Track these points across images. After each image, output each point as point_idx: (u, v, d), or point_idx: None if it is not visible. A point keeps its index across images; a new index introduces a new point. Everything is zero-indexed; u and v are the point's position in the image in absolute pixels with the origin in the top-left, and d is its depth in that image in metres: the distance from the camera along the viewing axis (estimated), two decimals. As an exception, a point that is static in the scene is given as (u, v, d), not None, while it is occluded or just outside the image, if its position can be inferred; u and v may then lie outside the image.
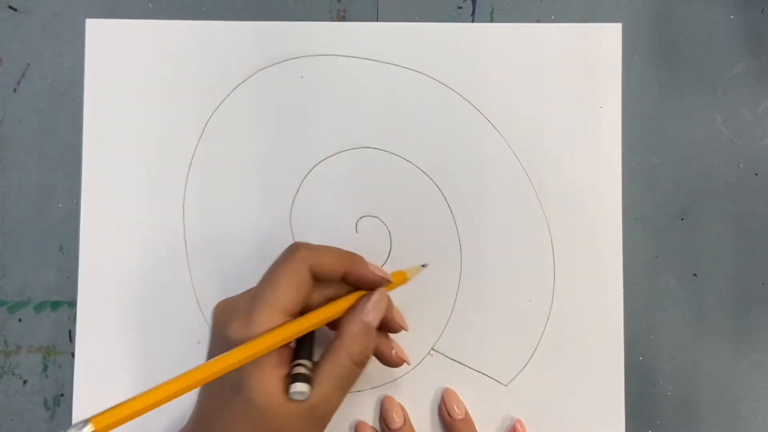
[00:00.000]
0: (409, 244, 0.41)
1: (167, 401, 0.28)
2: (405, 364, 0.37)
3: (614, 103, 0.42)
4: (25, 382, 0.42)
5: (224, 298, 0.35)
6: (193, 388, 0.29)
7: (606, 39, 0.42)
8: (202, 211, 0.42)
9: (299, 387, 0.31)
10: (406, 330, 0.37)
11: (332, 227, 0.42)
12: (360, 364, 0.33)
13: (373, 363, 0.41)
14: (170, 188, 0.42)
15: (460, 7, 0.43)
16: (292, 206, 0.42)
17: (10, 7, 0.43)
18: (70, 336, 0.42)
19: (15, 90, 0.43)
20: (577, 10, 0.43)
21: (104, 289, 0.41)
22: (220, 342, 0.32)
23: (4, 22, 0.43)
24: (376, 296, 0.34)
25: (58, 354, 0.42)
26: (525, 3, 0.43)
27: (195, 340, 0.41)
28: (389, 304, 0.35)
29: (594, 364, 0.41)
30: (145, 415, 0.28)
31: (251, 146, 0.42)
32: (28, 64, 0.43)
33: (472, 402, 0.41)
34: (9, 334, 0.42)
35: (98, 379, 0.41)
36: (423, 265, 0.39)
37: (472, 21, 0.43)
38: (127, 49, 0.42)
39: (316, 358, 0.34)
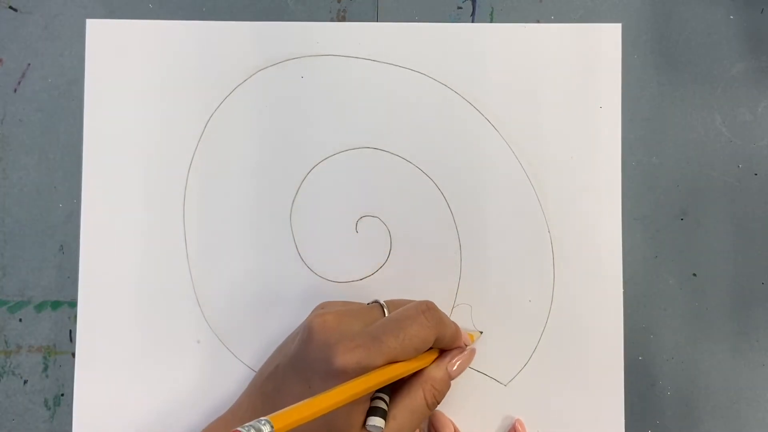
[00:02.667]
0: (409, 244, 0.41)
1: (343, 403, 0.30)
2: None
3: (614, 103, 0.42)
4: (25, 382, 0.42)
5: (328, 301, 0.38)
6: (356, 397, 0.30)
7: (606, 39, 0.42)
8: (202, 211, 0.42)
9: (376, 421, 0.33)
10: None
11: (332, 227, 0.42)
12: (432, 407, 0.35)
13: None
14: (170, 188, 0.42)
15: (460, 7, 0.43)
16: (292, 206, 0.42)
17: (10, 7, 0.43)
18: (71, 336, 0.42)
19: (15, 90, 0.43)
20: (577, 10, 0.43)
21: (104, 289, 0.41)
22: (316, 354, 0.33)
23: (5, 22, 0.43)
24: (467, 355, 0.37)
25: (59, 354, 0.42)
26: (525, 3, 0.43)
27: (195, 339, 0.41)
28: (471, 359, 0.38)
29: (593, 363, 0.41)
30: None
31: (251, 146, 0.42)
32: (29, 65, 0.43)
33: (472, 402, 0.41)
34: (9, 334, 0.42)
35: (98, 379, 0.41)
36: (480, 332, 0.41)
37: (472, 21, 0.43)
38: (127, 49, 0.42)
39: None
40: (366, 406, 0.33)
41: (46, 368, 0.42)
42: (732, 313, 0.41)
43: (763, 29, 0.42)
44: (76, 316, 0.41)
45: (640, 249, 0.42)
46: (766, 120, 0.42)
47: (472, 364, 0.41)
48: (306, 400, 0.28)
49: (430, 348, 0.36)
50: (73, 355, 0.41)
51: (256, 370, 0.41)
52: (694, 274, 0.42)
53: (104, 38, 0.42)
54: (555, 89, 0.42)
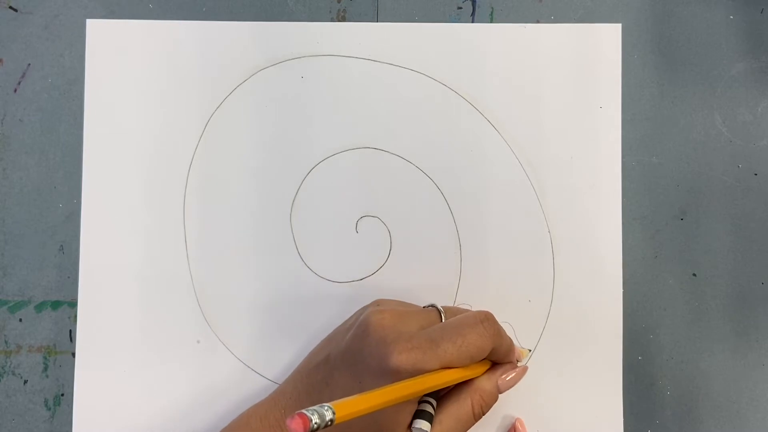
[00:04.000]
0: (409, 244, 0.41)
1: (396, 402, 0.29)
2: None
3: (614, 103, 0.42)
4: (25, 381, 0.42)
5: (384, 298, 0.38)
6: (413, 396, 0.31)
7: (606, 39, 0.42)
8: (202, 211, 0.42)
9: (422, 424, 0.33)
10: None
11: (332, 227, 0.42)
12: (477, 417, 0.35)
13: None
14: (170, 188, 0.42)
15: (460, 8, 0.43)
16: (292, 206, 0.42)
17: (10, 7, 0.43)
18: (71, 336, 0.42)
19: (15, 90, 0.43)
20: (577, 11, 0.43)
21: (104, 289, 0.41)
22: (371, 350, 0.33)
23: (5, 22, 0.43)
24: (518, 373, 0.37)
25: (59, 354, 0.42)
26: (525, 3, 0.43)
27: (195, 340, 0.41)
28: (521, 376, 0.38)
29: (593, 363, 0.41)
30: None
31: (251, 146, 0.42)
32: (29, 65, 0.43)
33: (471, 402, 0.41)
34: (9, 333, 0.42)
35: (98, 379, 0.41)
36: (530, 350, 0.41)
37: (472, 21, 0.43)
38: (127, 49, 0.42)
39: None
40: (413, 408, 0.33)
41: (46, 368, 0.42)
42: (732, 313, 0.41)
43: (763, 29, 0.43)
44: (76, 316, 0.41)
45: (640, 249, 0.42)
46: (766, 120, 0.42)
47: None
48: (364, 393, 0.28)
49: (483, 359, 0.36)
50: (73, 355, 0.41)
51: (257, 370, 0.41)
52: (694, 274, 0.42)
53: (104, 38, 0.42)
54: (555, 89, 0.42)
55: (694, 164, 0.42)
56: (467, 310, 0.36)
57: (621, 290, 0.41)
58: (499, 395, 0.36)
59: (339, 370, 0.35)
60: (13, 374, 0.42)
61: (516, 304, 0.41)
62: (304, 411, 0.24)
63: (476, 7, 0.43)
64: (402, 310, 0.35)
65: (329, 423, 0.25)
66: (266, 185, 0.42)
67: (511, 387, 0.37)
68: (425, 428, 0.33)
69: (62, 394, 0.41)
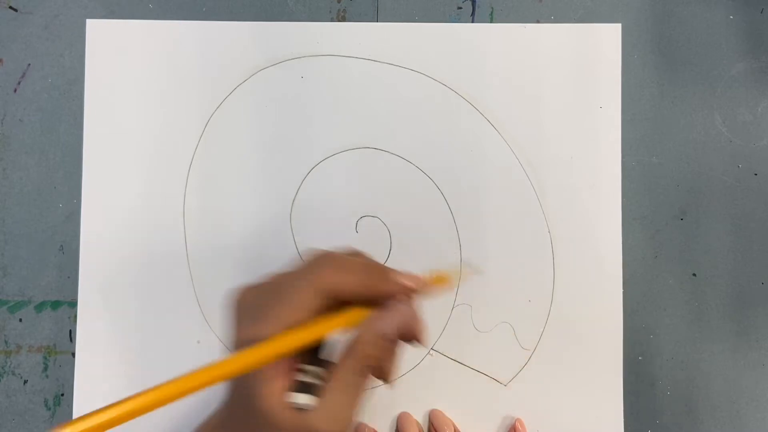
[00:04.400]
0: (409, 244, 0.41)
1: (163, 405, 0.27)
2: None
3: (614, 103, 0.42)
4: (25, 381, 0.42)
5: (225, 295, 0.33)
6: (199, 389, 0.27)
7: (606, 39, 0.42)
8: (202, 211, 0.42)
9: (298, 398, 0.29)
10: (423, 346, 0.34)
11: (332, 227, 0.42)
12: (362, 374, 0.30)
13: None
14: (170, 188, 0.42)
15: (460, 8, 0.43)
16: (292, 206, 0.42)
17: (10, 7, 0.43)
18: (71, 336, 0.42)
19: (15, 90, 0.43)
20: (577, 11, 0.43)
21: (104, 289, 0.41)
22: (232, 334, 0.30)
23: (5, 22, 0.43)
24: (395, 305, 0.30)
25: (59, 354, 0.42)
26: (525, 3, 0.43)
27: (195, 340, 0.41)
28: (412, 314, 0.31)
29: (593, 363, 0.41)
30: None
31: (251, 146, 0.42)
32: (29, 65, 0.43)
33: (472, 402, 0.41)
34: (9, 334, 0.42)
35: (98, 379, 0.41)
36: (471, 269, 0.37)
37: (472, 21, 0.43)
38: (127, 49, 0.42)
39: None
40: (283, 384, 0.29)
41: (46, 368, 0.42)
42: (732, 313, 0.41)
43: (763, 29, 0.43)
44: (76, 316, 0.41)
45: (640, 249, 0.42)
46: (766, 120, 0.42)
47: (473, 365, 0.41)
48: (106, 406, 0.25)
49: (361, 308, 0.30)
50: (73, 355, 0.41)
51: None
52: (694, 274, 0.42)
53: (104, 38, 0.42)
54: (555, 89, 0.42)
55: (694, 164, 0.42)
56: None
57: (621, 290, 0.41)
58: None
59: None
60: (13, 374, 0.42)
61: (516, 304, 0.41)
62: None
63: (476, 7, 0.43)
64: (259, 280, 0.31)
65: None
66: (266, 185, 0.42)
67: (394, 328, 0.30)
68: (303, 401, 0.28)
69: (62, 394, 0.41)
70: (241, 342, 0.29)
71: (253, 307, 0.30)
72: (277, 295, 0.29)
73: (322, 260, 0.30)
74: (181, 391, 0.27)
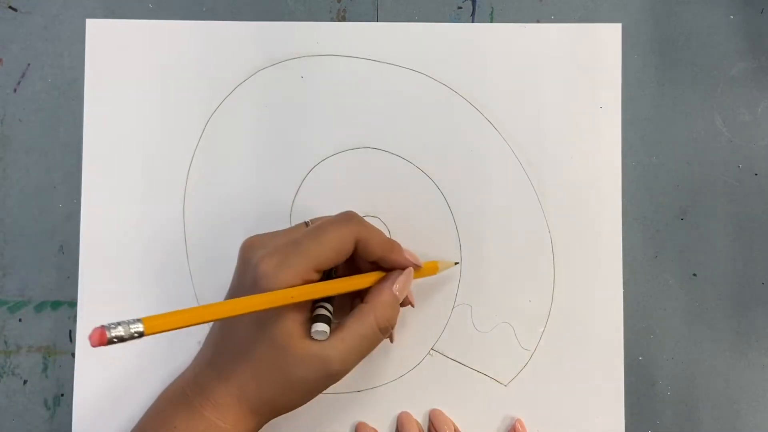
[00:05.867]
0: (409, 244, 0.41)
1: (210, 320, 0.30)
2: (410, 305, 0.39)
3: (614, 103, 0.42)
4: (25, 382, 0.42)
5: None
6: (236, 314, 0.30)
7: (606, 39, 0.42)
8: (202, 211, 0.42)
9: (319, 326, 0.33)
10: (413, 306, 0.39)
11: (332, 227, 0.42)
12: (384, 331, 0.35)
13: (374, 362, 0.41)
14: (170, 188, 0.42)
15: (460, 7, 0.43)
16: (292, 206, 0.42)
17: (10, 7, 0.43)
18: (70, 336, 0.42)
19: (15, 90, 0.43)
20: (577, 10, 0.43)
21: (104, 289, 0.41)
22: (246, 273, 0.34)
23: (5, 22, 0.43)
24: (406, 274, 0.36)
25: (58, 354, 0.42)
26: (525, 3, 0.43)
27: (195, 340, 0.41)
28: (410, 281, 0.37)
29: (594, 363, 0.41)
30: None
31: (251, 146, 0.42)
32: (29, 65, 0.43)
33: (472, 402, 0.41)
34: (9, 334, 0.42)
35: (98, 379, 0.41)
36: (456, 263, 0.41)
37: (472, 21, 0.43)
38: (127, 49, 0.42)
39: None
40: (301, 317, 0.33)
41: (45, 368, 0.42)
42: (732, 313, 0.41)
43: (763, 29, 0.43)
44: (76, 316, 0.41)
45: (640, 249, 0.42)
46: (766, 120, 0.42)
47: (472, 364, 0.41)
48: (187, 309, 0.29)
49: (374, 272, 0.36)
50: (73, 355, 0.41)
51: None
52: (694, 274, 0.42)
53: (104, 38, 0.42)
54: (555, 89, 0.42)
55: (694, 164, 0.42)
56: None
57: (621, 290, 0.41)
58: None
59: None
60: (13, 374, 0.42)
61: (516, 304, 0.41)
62: (104, 324, 0.25)
63: (476, 7, 0.43)
64: (270, 232, 0.36)
65: (136, 335, 0.26)
66: (266, 185, 0.42)
67: (405, 291, 0.36)
68: (322, 329, 0.33)
69: (62, 394, 0.41)
70: (266, 273, 0.32)
71: (277, 247, 0.33)
72: (317, 236, 0.33)
73: (358, 217, 0.35)
74: (233, 309, 0.30)
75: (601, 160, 0.42)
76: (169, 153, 0.42)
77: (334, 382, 0.34)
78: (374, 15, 0.43)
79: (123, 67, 0.42)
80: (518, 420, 0.41)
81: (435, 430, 0.40)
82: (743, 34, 0.42)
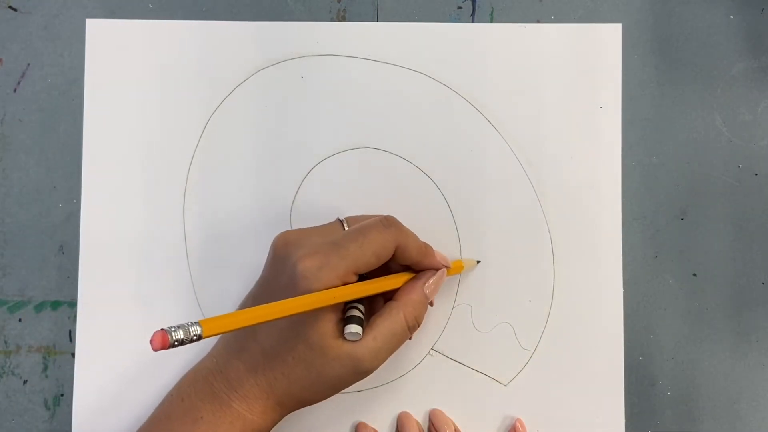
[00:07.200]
0: (409, 244, 0.41)
1: (265, 321, 0.30)
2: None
3: (614, 103, 0.42)
4: (25, 382, 0.42)
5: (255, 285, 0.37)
6: (287, 314, 0.31)
7: (606, 39, 0.42)
8: (202, 211, 0.42)
9: (352, 328, 0.34)
10: (431, 305, 0.39)
11: (332, 227, 0.42)
12: (412, 329, 0.36)
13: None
14: (170, 188, 0.42)
15: (460, 7, 0.43)
16: (292, 206, 0.42)
17: (10, 7, 0.43)
18: (70, 336, 0.42)
19: (15, 90, 0.43)
20: (577, 10, 0.43)
21: (104, 289, 0.41)
22: (281, 270, 0.34)
23: (5, 22, 0.43)
24: (439, 275, 0.37)
25: (58, 354, 0.42)
26: (525, 3, 0.43)
27: (195, 340, 0.41)
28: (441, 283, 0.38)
29: (594, 363, 0.41)
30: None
31: (251, 146, 0.42)
32: (29, 64, 0.43)
33: (472, 402, 0.41)
34: (9, 334, 0.42)
35: (98, 379, 0.41)
36: (478, 261, 0.41)
37: (472, 21, 0.43)
38: (127, 49, 0.42)
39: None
40: (335, 317, 0.34)
41: (45, 368, 0.42)
42: (732, 313, 0.41)
43: (763, 29, 0.43)
44: (75, 316, 0.41)
45: (640, 249, 0.42)
46: (766, 120, 0.42)
47: (472, 364, 0.41)
48: (242, 310, 0.29)
49: (404, 273, 0.37)
50: (73, 355, 0.41)
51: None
52: (694, 274, 0.42)
53: (104, 38, 0.42)
54: (555, 89, 0.42)
55: (694, 164, 0.42)
56: (373, 216, 0.37)
57: (621, 290, 0.41)
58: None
59: (259, 303, 0.34)
60: (13, 374, 0.42)
61: (516, 304, 0.41)
62: (165, 327, 0.26)
63: (476, 7, 0.43)
64: (306, 228, 0.37)
65: (195, 338, 0.26)
66: (266, 185, 0.42)
67: (435, 291, 0.37)
68: (355, 331, 0.33)
69: (62, 394, 0.41)
70: (307, 271, 0.33)
71: (315, 248, 0.34)
72: (358, 240, 0.34)
73: (398, 223, 0.36)
74: (283, 309, 0.31)
75: (601, 160, 0.42)
76: (169, 153, 0.42)
77: (362, 379, 0.35)
78: (374, 15, 0.43)
79: (123, 67, 0.42)
80: (518, 420, 0.41)
81: (435, 430, 0.40)
82: (743, 34, 0.42)
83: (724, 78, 0.42)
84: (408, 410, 0.41)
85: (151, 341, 0.25)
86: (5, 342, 0.42)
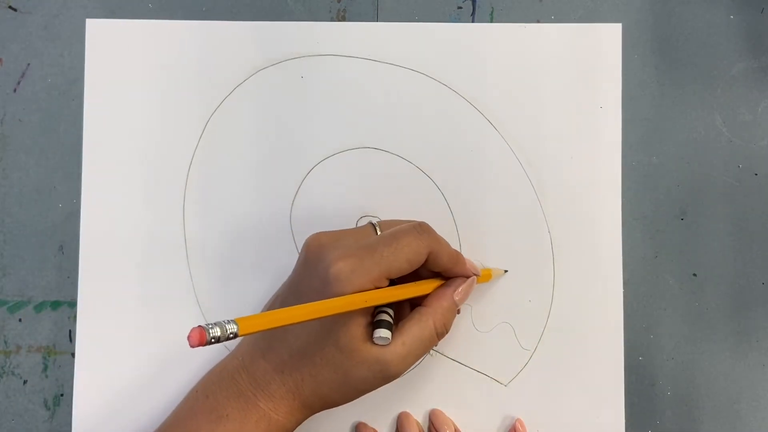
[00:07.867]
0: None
1: (299, 321, 0.30)
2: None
3: (614, 103, 0.42)
4: (25, 382, 0.42)
5: (284, 283, 0.38)
6: (322, 315, 0.31)
7: (606, 39, 0.42)
8: (202, 211, 0.42)
9: (382, 332, 0.34)
10: (458, 313, 0.39)
11: (332, 227, 0.41)
12: (440, 336, 0.36)
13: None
14: (170, 188, 0.42)
15: (460, 7, 0.43)
16: (292, 206, 0.42)
17: (10, 7, 0.43)
18: (70, 336, 0.42)
19: (15, 90, 0.43)
20: (577, 10, 0.43)
21: (104, 289, 0.41)
22: (314, 271, 0.34)
23: (5, 22, 0.43)
24: (469, 283, 0.37)
25: (58, 354, 0.42)
26: (525, 3, 0.43)
27: (195, 340, 0.41)
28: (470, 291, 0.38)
29: (594, 364, 0.41)
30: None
31: (251, 146, 0.42)
32: (29, 64, 0.43)
33: (472, 402, 0.41)
34: (9, 334, 0.42)
35: (98, 379, 0.41)
36: (505, 271, 0.41)
37: (472, 21, 0.43)
38: (127, 49, 0.42)
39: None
40: (365, 321, 0.34)
41: (45, 368, 0.42)
42: (732, 313, 0.41)
43: (763, 29, 0.43)
44: (75, 316, 0.41)
45: (640, 249, 0.42)
46: (766, 120, 0.42)
47: (472, 364, 0.41)
48: (278, 310, 0.30)
49: (434, 279, 0.37)
50: (73, 355, 0.41)
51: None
52: (694, 274, 0.42)
53: (104, 38, 0.42)
54: (555, 89, 0.42)
55: (694, 164, 0.42)
56: (404, 221, 0.37)
57: (621, 290, 0.41)
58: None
59: (288, 303, 0.35)
60: (13, 374, 0.42)
61: (516, 304, 0.41)
62: (203, 324, 0.26)
63: (476, 7, 0.43)
64: (338, 230, 0.37)
65: (231, 336, 0.26)
66: (266, 185, 0.42)
67: (465, 298, 0.37)
68: (385, 335, 0.34)
69: (62, 395, 0.41)
70: (340, 274, 0.33)
71: (350, 251, 0.34)
72: (392, 245, 0.34)
73: (431, 230, 0.36)
74: (318, 310, 0.31)
75: (601, 160, 0.42)
76: (169, 153, 0.42)
77: (389, 382, 0.35)
78: (374, 15, 0.43)
79: (123, 67, 0.42)
80: (518, 420, 0.41)
81: (435, 430, 0.40)
82: (743, 34, 0.42)
83: (724, 78, 0.42)
84: (408, 410, 0.41)
85: (188, 338, 0.26)
86: (5, 342, 0.42)
